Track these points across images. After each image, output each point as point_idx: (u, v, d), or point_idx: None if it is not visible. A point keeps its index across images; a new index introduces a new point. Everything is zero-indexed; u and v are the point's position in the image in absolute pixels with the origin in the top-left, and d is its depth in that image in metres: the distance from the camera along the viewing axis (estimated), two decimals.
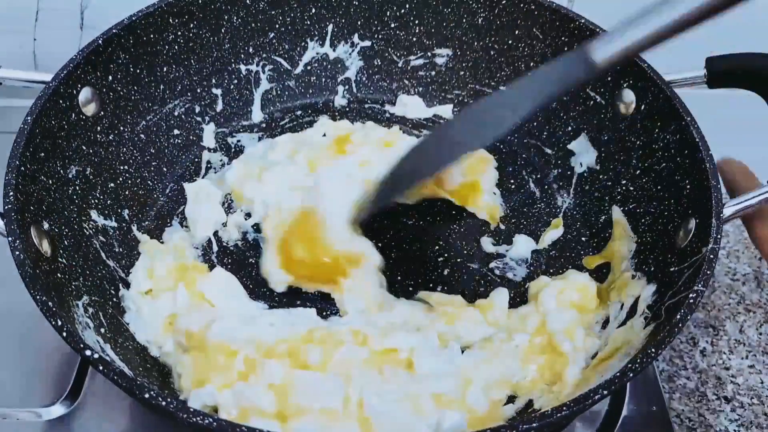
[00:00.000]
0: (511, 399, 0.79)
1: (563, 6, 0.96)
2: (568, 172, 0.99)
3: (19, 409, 0.79)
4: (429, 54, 1.06)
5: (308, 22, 1.04)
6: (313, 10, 1.03)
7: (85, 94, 0.87)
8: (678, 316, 0.69)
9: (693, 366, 0.91)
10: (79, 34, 1.09)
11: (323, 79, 1.07)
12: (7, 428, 0.78)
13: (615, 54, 0.71)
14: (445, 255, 0.92)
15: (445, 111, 1.07)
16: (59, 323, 0.65)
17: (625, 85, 0.93)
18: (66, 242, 0.81)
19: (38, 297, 0.66)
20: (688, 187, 0.83)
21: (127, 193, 0.92)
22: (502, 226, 0.95)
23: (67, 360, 0.82)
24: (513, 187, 0.99)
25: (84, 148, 0.87)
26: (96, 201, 0.88)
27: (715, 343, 0.94)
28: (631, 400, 0.84)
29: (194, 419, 0.59)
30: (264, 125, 1.05)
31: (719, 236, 0.75)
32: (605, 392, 0.63)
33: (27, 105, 0.80)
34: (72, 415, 0.79)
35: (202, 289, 0.84)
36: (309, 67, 1.06)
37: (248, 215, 0.95)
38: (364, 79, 1.08)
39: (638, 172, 0.91)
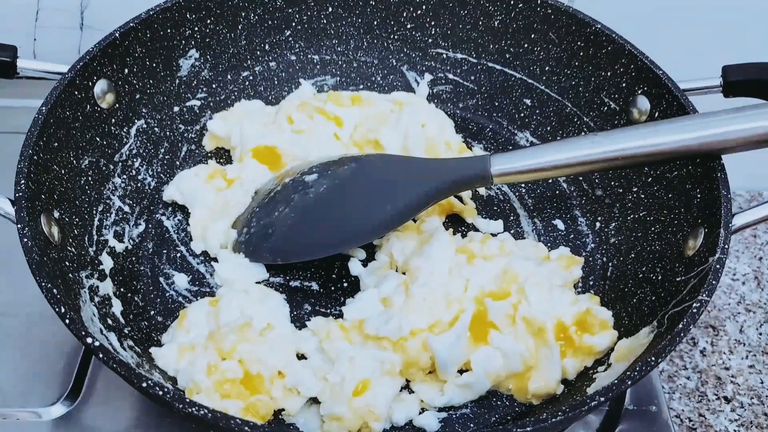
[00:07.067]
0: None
1: (580, 11, 0.96)
2: (579, 178, 0.98)
3: (19, 409, 0.79)
4: (444, 56, 1.06)
5: (324, 21, 1.04)
6: (330, 9, 1.03)
7: (100, 86, 0.88)
8: (680, 326, 0.68)
9: (693, 366, 0.91)
10: (79, 34, 1.10)
11: (338, 77, 1.08)
12: (7, 428, 0.78)
13: (509, 172, 0.82)
14: None
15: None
16: (62, 310, 0.66)
17: (639, 92, 0.92)
18: (76, 231, 0.82)
19: (44, 284, 0.67)
20: (699, 196, 0.82)
21: (139, 186, 0.93)
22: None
23: (67, 360, 0.82)
24: (523, 191, 0.99)
25: (98, 139, 0.88)
26: (108, 192, 0.89)
27: (715, 343, 0.93)
28: (630, 399, 0.83)
29: (189, 410, 0.60)
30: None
31: (727, 246, 0.74)
32: (602, 399, 0.63)
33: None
34: (72, 415, 0.79)
35: None
36: (328, 66, 1.07)
37: None
38: (378, 79, 1.08)
39: (650, 179, 0.90)
